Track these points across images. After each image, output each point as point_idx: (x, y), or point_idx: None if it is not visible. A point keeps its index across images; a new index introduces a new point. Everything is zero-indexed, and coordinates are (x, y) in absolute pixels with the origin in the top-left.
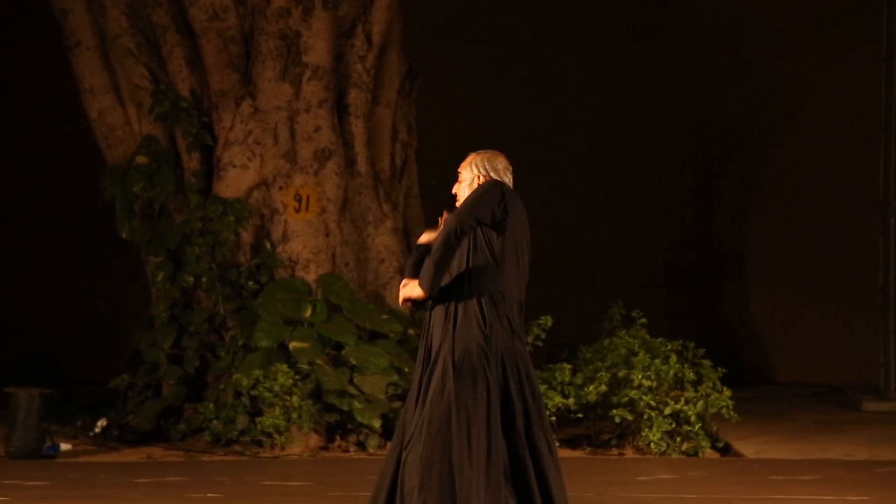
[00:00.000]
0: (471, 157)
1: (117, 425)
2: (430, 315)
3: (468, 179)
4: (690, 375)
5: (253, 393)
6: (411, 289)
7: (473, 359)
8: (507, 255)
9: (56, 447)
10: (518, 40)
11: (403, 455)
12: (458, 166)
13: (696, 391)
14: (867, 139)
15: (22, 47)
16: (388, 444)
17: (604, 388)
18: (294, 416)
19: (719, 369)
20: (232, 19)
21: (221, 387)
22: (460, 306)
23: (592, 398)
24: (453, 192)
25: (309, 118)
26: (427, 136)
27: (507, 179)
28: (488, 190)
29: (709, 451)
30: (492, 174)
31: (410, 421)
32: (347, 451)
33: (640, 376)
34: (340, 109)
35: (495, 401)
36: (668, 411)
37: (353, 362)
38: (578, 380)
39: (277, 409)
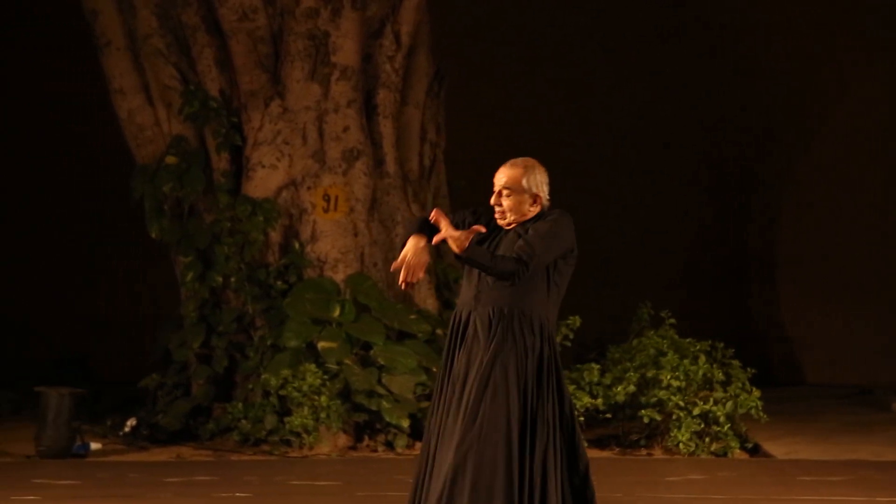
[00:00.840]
0: (520, 172)
1: (147, 425)
2: (463, 321)
3: (527, 200)
4: (719, 376)
5: (281, 393)
6: (459, 238)
7: (510, 376)
8: (560, 285)
9: (86, 446)
10: (546, 42)
11: (445, 470)
12: (505, 178)
13: (725, 391)
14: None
15: (22, 47)
16: (417, 444)
17: (632, 388)
18: (322, 415)
19: (748, 370)
20: (261, 20)
21: (250, 386)
22: (503, 319)
23: (621, 398)
24: (496, 201)
25: (337, 118)
26: (455, 137)
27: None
28: (567, 226)
29: (738, 451)
30: (546, 189)
31: (444, 432)
32: (376, 450)
33: (668, 376)
34: (369, 110)
35: (528, 420)
36: (696, 412)
37: (382, 362)
38: (607, 380)
39: (306, 408)
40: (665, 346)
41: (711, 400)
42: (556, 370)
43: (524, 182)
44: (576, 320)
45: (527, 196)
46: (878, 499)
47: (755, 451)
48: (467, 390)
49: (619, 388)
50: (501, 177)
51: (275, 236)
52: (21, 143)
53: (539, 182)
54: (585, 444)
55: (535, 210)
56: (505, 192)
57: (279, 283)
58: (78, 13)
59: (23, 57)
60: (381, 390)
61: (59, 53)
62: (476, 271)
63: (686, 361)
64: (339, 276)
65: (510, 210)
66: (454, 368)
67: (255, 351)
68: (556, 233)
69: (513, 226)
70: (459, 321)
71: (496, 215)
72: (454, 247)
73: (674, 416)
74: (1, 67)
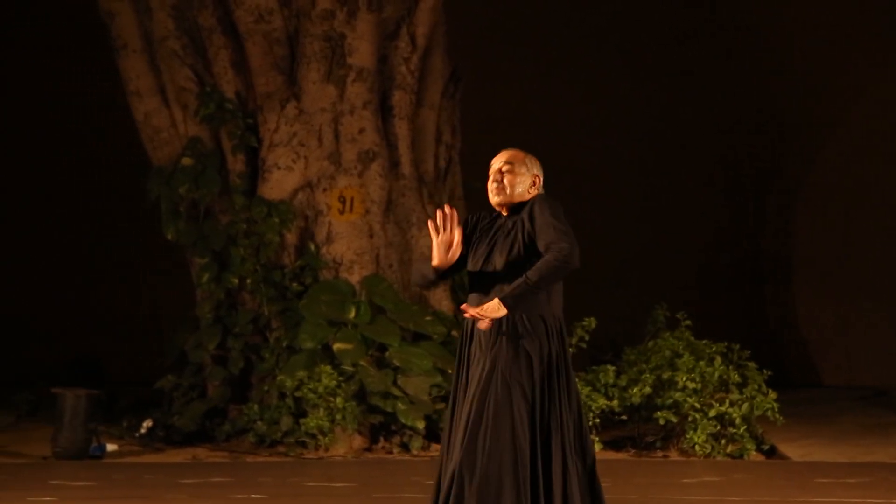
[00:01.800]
0: (522, 155)
1: (162, 426)
2: (470, 325)
3: (527, 179)
4: (735, 377)
5: (297, 394)
6: (496, 309)
7: (522, 371)
8: None
9: (102, 447)
10: (562, 43)
11: (453, 467)
12: (505, 157)
13: (741, 393)
14: None
15: (22, 47)
16: (432, 446)
17: (648, 389)
18: (338, 417)
19: (764, 371)
20: (277, 21)
21: (266, 388)
22: (505, 322)
23: (636, 400)
24: (495, 178)
25: (353, 120)
26: (471, 139)
27: None
28: (560, 210)
29: (754, 453)
30: (541, 177)
31: (454, 440)
32: (391, 452)
33: (684, 378)
34: (384, 111)
35: (539, 425)
36: (712, 413)
37: (397, 364)
38: (622, 381)
39: (321, 410)
40: (681, 347)
41: (727, 402)
42: (566, 367)
43: (526, 162)
44: (591, 322)
45: (527, 176)
46: (894, 501)
47: (771, 453)
48: (469, 403)
49: (635, 390)
50: (501, 158)
51: (290, 238)
52: (21, 143)
53: (538, 167)
54: (594, 439)
55: (532, 192)
56: (506, 167)
57: (295, 284)
58: (79, 13)
59: (23, 57)
60: (396, 392)
61: (59, 53)
62: (476, 276)
63: (702, 363)
64: (354, 278)
65: (510, 185)
66: (469, 374)
67: (271, 352)
68: (559, 217)
69: (505, 209)
70: (467, 325)
71: (492, 192)
72: (499, 315)
73: (689, 418)
74: (1, 67)
